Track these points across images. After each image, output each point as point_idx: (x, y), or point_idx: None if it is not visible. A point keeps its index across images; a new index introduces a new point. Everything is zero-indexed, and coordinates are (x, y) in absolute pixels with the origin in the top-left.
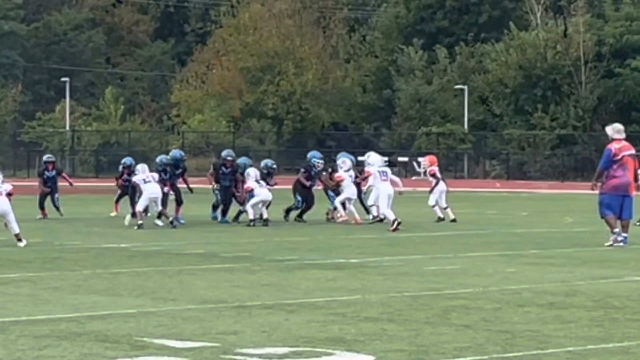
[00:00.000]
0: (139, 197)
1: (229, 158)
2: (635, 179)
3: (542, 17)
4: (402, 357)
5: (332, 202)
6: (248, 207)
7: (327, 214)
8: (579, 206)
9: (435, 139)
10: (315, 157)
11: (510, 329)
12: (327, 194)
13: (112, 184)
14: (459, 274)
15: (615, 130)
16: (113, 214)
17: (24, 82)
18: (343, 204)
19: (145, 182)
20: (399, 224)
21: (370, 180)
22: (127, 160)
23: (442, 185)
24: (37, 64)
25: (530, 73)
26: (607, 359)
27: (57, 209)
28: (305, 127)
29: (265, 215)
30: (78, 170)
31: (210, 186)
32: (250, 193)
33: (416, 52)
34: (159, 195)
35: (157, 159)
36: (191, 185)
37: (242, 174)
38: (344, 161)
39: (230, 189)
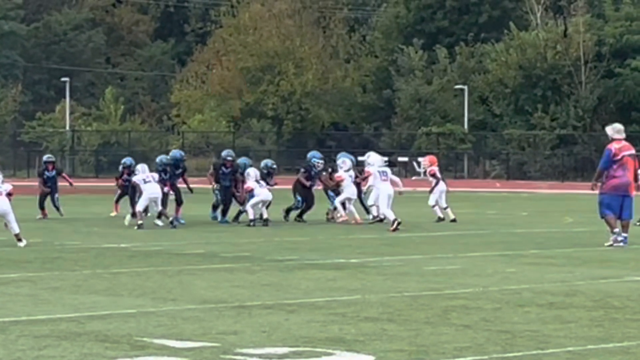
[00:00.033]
0: (139, 197)
1: (229, 158)
2: (636, 179)
3: (542, 17)
4: (402, 357)
5: (332, 202)
6: (248, 207)
7: (327, 214)
8: (579, 206)
9: (435, 139)
10: (315, 157)
11: (510, 329)
12: (327, 194)
13: (112, 184)
14: (459, 274)
15: (615, 130)
16: (113, 214)
17: (24, 82)
18: (343, 204)
19: (145, 182)
20: (399, 223)
21: (370, 180)
22: (127, 160)
23: (442, 186)
24: (37, 64)
25: (530, 73)
26: (607, 359)
27: (57, 209)
28: (305, 127)
29: (265, 216)
30: (78, 170)
31: (210, 186)
32: (250, 193)
33: (416, 52)
34: (159, 195)
35: (157, 159)
36: (191, 185)
37: (242, 173)
38: (344, 161)
39: (230, 189)
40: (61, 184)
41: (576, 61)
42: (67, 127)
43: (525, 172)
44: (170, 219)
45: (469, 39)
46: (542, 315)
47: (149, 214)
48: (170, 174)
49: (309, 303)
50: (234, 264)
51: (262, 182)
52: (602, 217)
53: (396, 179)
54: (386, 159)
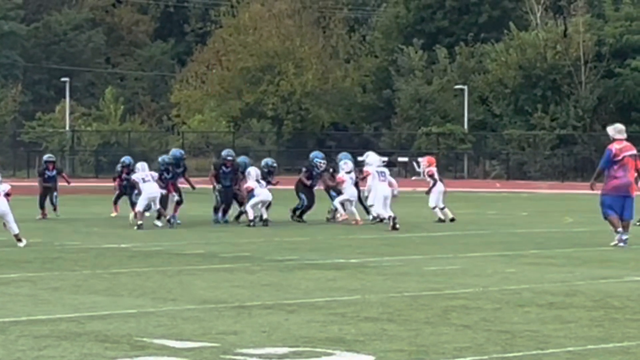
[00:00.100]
0: (137, 194)
1: (229, 158)
2: (636, 180)
3: (542, 17)
4: (402, 357)
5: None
6: (248, 207)
7: (328, 212)
8: (579, 206)
9: (435, 139)
10: (317, 157)
11: (510, 329)
12: (328, 193)
13: (112, 184)
14: (459, 274)
15: (616, 130)
16: (113, 214)
17: (24, 82)
18: (342, 205)
19: (144, 181)
20: (394, 219)
21: (369, 180)
22: (127, 159)
23: (440, 186)
24: (37, 64)
25: (530, 73)
26: (607, 359)
27: (55, 207)
28: (305, 127)
29: (265, 216)
30: (78, 170)
31: (211, 186)
32: (251, 193)
33: (416, 52)
34: (158, 194)
35: (160, 159)
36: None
37: (243, 172)
38: (345, 162)
39: (231, 189)
40: (61, 184)
41: (576, 61)
42: (67, 127)
43: (525, 172)
44: (168, 217)
45: (469, 39)
46: (542, 316)
47: (148, 214)
48: (172, 174)
49: (309, 303)
50: (233, 264)
51: (263, 182)
52: (605, 218)
53: (392, 180)
54: (385, 159)
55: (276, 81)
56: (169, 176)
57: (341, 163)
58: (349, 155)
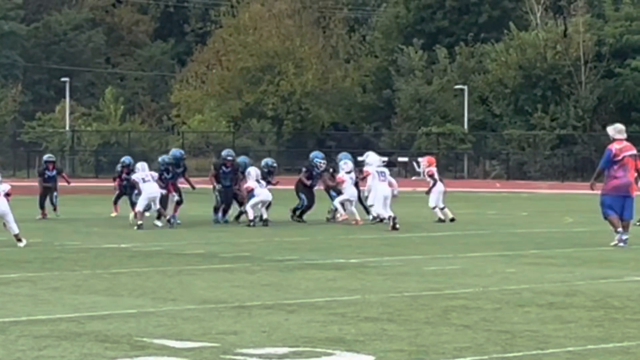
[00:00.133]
0: (137, 194)
1: (229, 158)
2: (636, 180)
3: (542, 17)
4: (402, 357)
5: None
6: (248, 207)
7: (329, 212)
8: (579, 206)
9: (435, 139)
10: (317, 157)
11: (510, 329)
12: (328, 194)
13: (112, 184)
14: (459, 274)
15: (616, 130)
16: (113, 214)
17: (24, 82)
18: (342, 205)
19: (144, 181)
20: (394, 219)
21: (369, 180)
22: (127, 159)
23: (440, 186)
24: (37, 64)
25: (530, 73)
26: (607, 359)
27: (55, 207)
28: (305, 127)
29: (265, 216)
30: (78, 170)
31: (211, 186)
32: (251, 193)
33: (416, 52)
34: (158, 194)
35: (160, 159)
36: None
37: (243, 172)
38: (345, 162)
39: (231, 189)
40: (61, 184)
41: (576, 61)
42: (67, 127)
43: (525, 172)
44: (168, 217)
45: (469, 39)
46: (542, 316)
47: (148, 214)
48: (172, 174)
49: (309, 303)
50: (233, 264)
51: (263, 182)
52: (605, 218)
53: (392, 180)
54: (385, 159)
55: (276, 81)
56: (169, 176)
57: (341, 163)
58: (349, 155)
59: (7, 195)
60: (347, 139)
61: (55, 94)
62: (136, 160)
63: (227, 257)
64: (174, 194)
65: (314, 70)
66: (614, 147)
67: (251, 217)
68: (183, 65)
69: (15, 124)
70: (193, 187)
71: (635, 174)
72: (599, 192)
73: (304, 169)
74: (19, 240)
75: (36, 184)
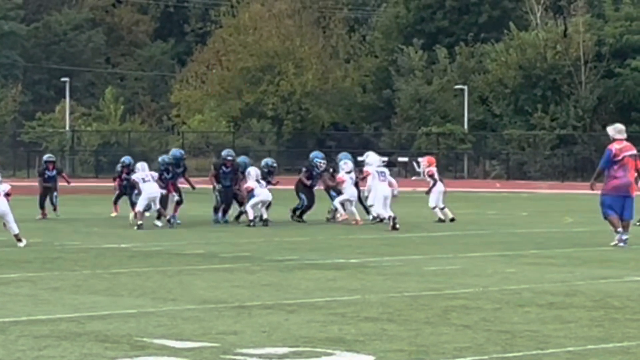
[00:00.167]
0: (137, 194)
1: (230, 158)
2: (636, 180)
3: (542, 17)
4: (402, 357)
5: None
6: (248, 207)
7: (329, 212)
8: (579, 206)
9: (435, 139)
10: (317, 157)
11: (510, 329)
12: (329, 194)
13: (112, 184)
14: (459, 274)
15: (616, 130)
16: (113, 214)
17: (24, 82)
18: (342, 205)
19: (144, 181)
20: (394, 219)
21: (369, 180)
22: (127, 159)
23: (440, 186)
24: (37, 64)
25: (530, 73)
26: (607, 359)
27: (54, 207)
28: (305, 127)
29: (265, 216)
30: (78, 170)
31: (211, 186)
32: (251, 193)
33: (416, 52)
34: (158, 194)
35: (160, 159)
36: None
37: (243, 172)
38: (346, 163)
39: (231, 189)
40: (61, 184)
41: (576, 61)
42: (67, 127)
43: (525, 172)
44: (168, 217)
45: (469, 39)
46: (542, 316)
47: (148, 214)
48: (172, 174)
49: (308, 303)
50: (233, 264)
51: (263, 182)
52: (605, 218)
53: (392, 180)
54: (385, 159)
55: (276, 81)
56: (169, 176)
57: (341, 163)
58: (349, 155)
59: (7, 195)
60: (347, 139)
61: (55, 94)
62: (136, 160)
63: (227, 257)
64: (174, 194)
65: (314, 70)
66: (614, 147)
67: (251, 217)
68: (183, 65)
69: (15, 124)
70: (193, 187)
71: (635, 174)
72: (599, 192)
73: (303, 169)
74: (19, 240)
75: (36, 184)
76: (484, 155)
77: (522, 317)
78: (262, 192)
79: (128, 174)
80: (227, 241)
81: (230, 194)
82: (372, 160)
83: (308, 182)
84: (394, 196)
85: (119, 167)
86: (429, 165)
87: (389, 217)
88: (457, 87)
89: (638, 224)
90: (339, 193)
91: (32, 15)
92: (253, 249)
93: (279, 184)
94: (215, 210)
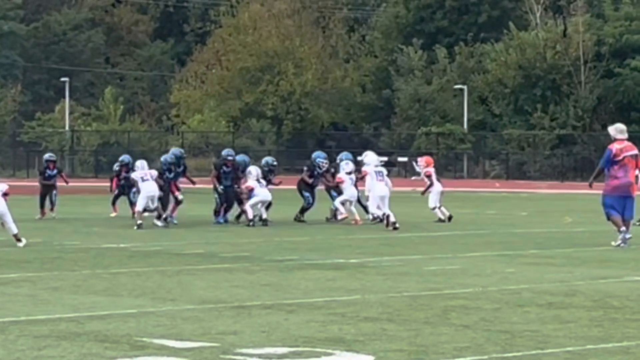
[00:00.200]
0: (136, 192)
1: (230, 157)
2: (637, 179)
3: (542, 17)
4: (401, 357)
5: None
6: (247, 207)
7: (331, 212)
8: (578, 206)
9: (435, 139)
10: (319, 157)
11: (509, 329)
12: (329, 193)
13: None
14: (458, 274)
15: (617, 130)
16: (113, 214)
17: (24, 82)
18: (343, 204)
19: (143, 180)
20: (388, 217)
21: (368, 180)
22: (126, 157)
23: (438, 186)
24: (36, 64)
25: (529, 73)
26: (607, 358)
27: (52, 206)
28: (304, 127)
29: (264, 216)
30: (77, 170)
31: (211, 186)
32: (251, 192)
33: (416, 52)
34: (156, 193)
35: (162, 159)
36: (190, 186)
37: (243, 171)
38: (347, 163)
39: (232, 188)
40: (59, 184)
41: (576, 61)
42: (67, 127)
43: (524, 172)
44: (165, 215)
45: (469, 38)
46: (541, 315)
47: (147, 214)
48: (174, 173)
49: (308, 303)
50: (233, 264)
51: (263, 182)
52: (608, 219)
53: (388, 180)
54: (385, 158)
55: (276, 81)
56: (171, 176)
57: (342, 163)
58: (350, 155)
59: (4, 194)
60: (346, 139)
61: (54, 94)
62: (135, 161)
63: (226, 257)
64: (177, 193)
65: (313, 70)
66: (615, 147)
67: (250, 216)
68: (183, 65)
69: (15, 124)
70: (193, 183)
71: (637, 173)
72: (598, 191)
73: (305, 168)
74: (19, 240)
75: (36, 183)
76: (483, 155)
77: (522, 317)
78: (262, 192)
79: (127, 172)
80: (227, 241)
81: (232, 193)
82: (370, 160)
83: (310, 181)
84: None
85: (116, 167)
86: (427, 166)
87: (383, 214)
88: (456, 87)
89: (638, 223)
90: (340, 193)
91: (32, 15)
92: (253, 249)
93: (282, 184)
94: (216, 213)
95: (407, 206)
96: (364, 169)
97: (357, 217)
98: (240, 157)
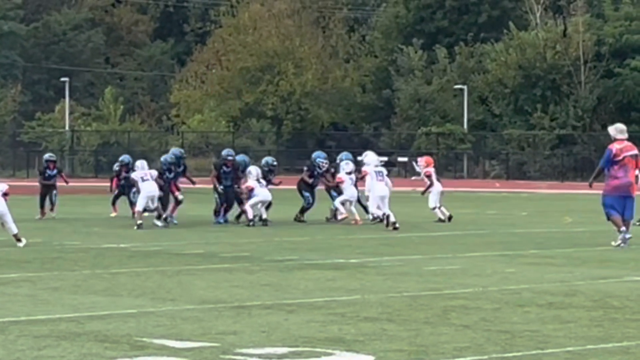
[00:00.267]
0: (136, 192)
1: (230, 157)
2: (637, 179)
3: (542, 17)
4: (401, 357)
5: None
6: (247, 207)
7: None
8: (578, 206)
9: (435, 139)
10: (320, 157)
11: (509, 329)
12: (329, 193)
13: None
14: (458, 274)
15: (618, 130)
16: (113, 214)
17: (24, 82)
18: (343, 204)
19: (143, 180)
20: (388, 217)
21: (368, 180)
22: (125, 157)
23: (438, 186)
24: (36, 64)
25: (529, 73)
26: (607, 358)
27: (52, 206)
28: (304, 127)
29: (264, 216)
30: (77, 170)
31: (211, 186)
32: (251, 192)
33: (416, 52)
34: (156, 193)
35: (162, 159)
36: (190, 186)
37: (243, 171)
38: (347, 163)
39: (232, 188)
40: (60, 184)
41: (576, 61)
42: (67, 127)
43: (524, 172)
44: (164, 215)
45: (469, 38)
46: (541, 315)
47: (147, 215)
48: (174, 173)
49: (308, 303)
50: (233, 264)
51: (263, 181)
52: (609, 219)
53: (387, 180)
54: (385, 158)
55: (276, 81)
56: (171, 176)
57: (342, 163)
58: (351, 155)
59: (4, 195)
60: (346, 139)
61: (54, 94)
62: (135, 161)
63: (226, 257)
64: (178, 193)
65: (313, 70)
66: (615, 147)
67: (250, 216)
68: (183, 65)
69: (15, 124)
70: (193, 183)
71: (637, 173)
72: (598, 191)
73: (305, 168)
74: (19, 240)
75: (36, 183)
76: (483, 155)
77: (522, 317)
78: (262, 192)
79: (127, 172)
80: (227, 241)
81: (232, 193)
82: (370, 160)
83: (310, 180)
84: None
85: (116, 167)
86: (427, 166)
87: (383, 214)
88: (456, 87)
89: (638, 223)
90: (340, 193)
91: (32, 15)
92: (252, 249)
93: (282, 184)
94: (216, 213)
95: (407, 206)
96: (363, 169)
97: (357, 217)
98: (240, 157)
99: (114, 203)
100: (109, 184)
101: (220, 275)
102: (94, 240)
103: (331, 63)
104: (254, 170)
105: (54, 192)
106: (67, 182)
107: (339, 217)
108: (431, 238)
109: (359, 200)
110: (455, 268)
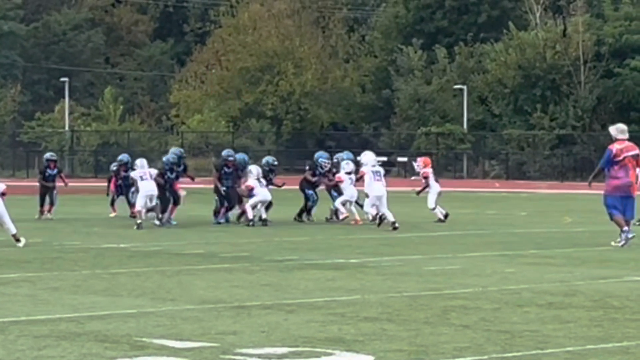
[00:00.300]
0: (134, 191)
1: (231, 158)
2: (637, 179)
3: (541, 17)
4: (401, 357)
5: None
6: (247, 206)
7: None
8: (578, 206)
9: (435, 139)
10: (322, 157)
11: (509, 329)
12: (330, 194)
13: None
14: (458, 274)
15: (618, 130)
16: (112, 214)
17: (23, 82)
18: (343, 204)
19: (142, 179)
20: (381, 217)
21: (366, 180)
22: (124, 157)
23: (436, 187)
24: (36, 64)
25: (529, 73)
26: (607, 358)
27: (51, 205)
28: (304, 127)
29: (264, 216)
30: (77, 170)
31: (212, 186)
32: (251, 191)
33: (415, 52)
34: (155, 192)
35: (164, 159)
36: (191, 186)
37: (243, 170)
38: (347, 163)
39: (233, 189)
40: (59, 184)
41: (575, 61)
42: (66, 127)
43: (524, 172)
44: (161, 217)
45: (468, 38)
46: (541, 315)
47: (149, 214)
48: (175, 173)
49: (308, 303)
50: (233, 264)
51: (263, 181)
52: (612, 219)
53: (383, 180)
54: (384, 158)
55: (275, 81)
56: (172, 176)
57: (343, 163)
58: (351, 155)
59: (2, 194)
60: (346, 139)
61: (54, 94)
62: (134, 160)
63: (226, 257)
64: (181, 190)
65: (313, 70)
66: (615, 147)
67: (250, 216)
68: (182, 65)
69: (15, 124)
70: (193, 179)
71: (637, 173)
72: (598, 191)
73: (307, 167)
74: (18, 240)
75: (36, 183)
76: (483, 155)
77: (522, 317)
78: (262, 192)
79: (126, 171)
80: (227, 241)
81: (234, 194)
82: (367, 160)
83: (313, 179)
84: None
85: (114, 166)
86: (425, 166)
87: (376, 214)
88: (456, 87)
89: (638, 223)
90: (340, 193)
91: (32, 15)
92: (252, 249)
93: (285, 186)
94: (216, 213)
95: (406, 206)
96: (361, 169)
97: (357, 217)
98: (240, 156)
99: (112, 204)
100: (106, 185)
101: (220, 275)
102: (93, 240)
103: (331, 63)
104: (254, 170)
105: (54, 192)
106: (66, 184)
107: (340, 217)
108: (431, 238)
109: (356, 200)
110: (455, 268)
